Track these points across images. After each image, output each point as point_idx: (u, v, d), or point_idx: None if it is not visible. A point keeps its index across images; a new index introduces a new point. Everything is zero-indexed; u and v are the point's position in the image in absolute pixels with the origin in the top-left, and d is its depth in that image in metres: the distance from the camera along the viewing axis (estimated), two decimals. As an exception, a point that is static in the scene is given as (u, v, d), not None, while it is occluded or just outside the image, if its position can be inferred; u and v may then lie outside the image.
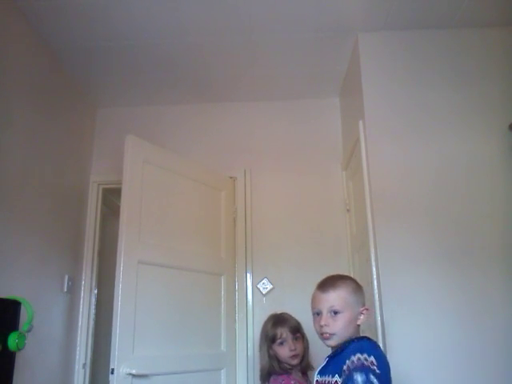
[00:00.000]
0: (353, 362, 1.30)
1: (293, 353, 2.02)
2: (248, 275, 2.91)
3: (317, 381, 1.48)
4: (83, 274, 2.95)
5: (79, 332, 2.87)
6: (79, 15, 2.36)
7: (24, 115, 2.39)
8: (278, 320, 2.12)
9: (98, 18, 2.39)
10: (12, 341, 1.77)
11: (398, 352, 2.03)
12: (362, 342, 1.40)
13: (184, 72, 2.93)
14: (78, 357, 2.83)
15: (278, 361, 2.04)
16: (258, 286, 2.89)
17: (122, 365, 2.15)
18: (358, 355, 1.30)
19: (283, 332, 2.06)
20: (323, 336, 1.45)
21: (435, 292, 2.11)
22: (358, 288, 1.51)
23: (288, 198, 3.02)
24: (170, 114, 3.29)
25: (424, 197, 2.26)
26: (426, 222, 2.22)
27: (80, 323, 2.89)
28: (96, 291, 3.02)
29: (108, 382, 2.14)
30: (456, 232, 2.19)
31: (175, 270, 2.54)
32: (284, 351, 2.03)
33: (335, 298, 1.45)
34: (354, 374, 1.27)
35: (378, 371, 1.27)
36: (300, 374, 2.06)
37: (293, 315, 2.18)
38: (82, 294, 2.93)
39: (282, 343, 2.05)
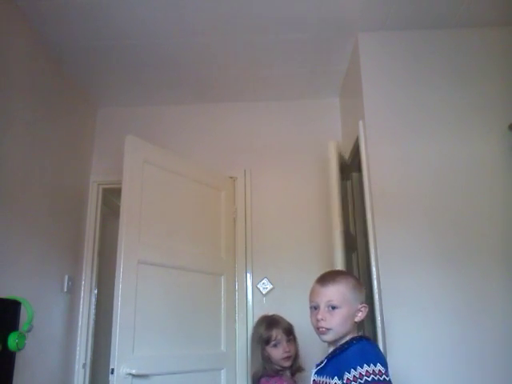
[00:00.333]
0: (362, 376, 1.26)
1: (286, 354, 2.03)
2: (248, 275, 2.91)
3: (314, 380, 1.46)
4: (83, 274, 2.95)
5: (79, 332, 2.87)
6: (80, 14, 2.36)
7: (24, 115, 2.39)
8: (272, 322, 2.13)
9: (99, 17, 2.39)
10: (12, 341, 1.77)
11: (398, 352, 2.03)
12: (363, 345, 1.38)
13: (184, 72, 2.93)
14: (77, 357, 2.83)
15: (271, 363, 2.04)
16: (258, 286, 2.89)
17: (122, 365, 2.15)
18: (366, 368, 1.27)
19: (278, 334, 2.07)
20: (319, 330, 1.42)
21: (435, 292, 2.11)
22: (358, 285, 1.49)
23: (288, 198, 3.02)
24: (170, 114, 3.29)
25: (424, 197, 2.26)
26: (426, 222, 2.22)
27: (80, 323, 2.89)
28: (96, 291, 3.02)
29: (108, 382, 2.14)
30: (456, 232, 2.19)
31: (175, 270, 2.54)
32: (278, 353, 2.04)
33: (334, 292, 1.43)
34: None
35: (387, 378, 1.27)
36: (289, 375, 2.08)
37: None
38: (82, 294, 2.93)
39: (275, 345, 2.05)
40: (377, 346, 1.45)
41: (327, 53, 2.75)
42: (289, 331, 2.10)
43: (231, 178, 3.09)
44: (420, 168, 2.30)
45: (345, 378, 1.29)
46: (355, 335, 1.44)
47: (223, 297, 2.79)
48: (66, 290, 2.74)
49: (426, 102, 2.40)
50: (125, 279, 2.27)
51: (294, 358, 2.08)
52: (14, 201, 2.26)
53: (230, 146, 3.18)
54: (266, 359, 2.04)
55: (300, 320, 2.13)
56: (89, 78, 2.98)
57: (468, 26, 2.48)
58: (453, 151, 2.31)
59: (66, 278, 2.75)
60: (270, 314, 2.25)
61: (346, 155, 2.88)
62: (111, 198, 3.44)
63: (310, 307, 1.48)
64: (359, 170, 2.56)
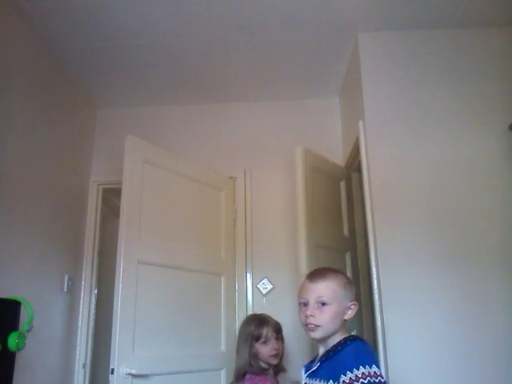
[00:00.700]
0: (359, 379, 1.23)
1: (275, 352, 2.05)
2: (248, 275, 2.91)
3: (305, 383, 1.42)
4: (83, 274, 2.96)
5: (79, 332, 2.87)
6: (80, 14, 2.36)
7: (24, 115, 2.39)
8: (262, 320, 2.15)
9: (99, 17, 2.39)
10: (12, 341, 1.77)
11: (398, 352, 2.04)
12: (358, 346, 1.35)
13: (184, 72, 2.93)
14: (77, 357, 2.83)
15: (258, 360, 2.06)
16: (258, 286, 2.89)
17: (122, 365, 2.15)
18: (362, 370, 1.24)
19: (268, 331, 2.09)
20: (308, 327, 1.40)
21: (435, 292, 2.11)
22: (348, 282, 1.46)
23: (288, 198, 3.02)
24: (170, 115, 3.29)
25: (424, 197, 2.26)
26: (426, 222, 2.22)
27: (80, 323, 2.89)
28: (96, 291, 3.03)
29: (108, 382, 2.14)
30: (455, 232, 2.19)
31: (175, 270, 2.54)
32: (266, 350, 2.05)
33: (325, 289, 1.40)
34: None
35: (382, 380, 1.25)
36: (272, 375, 2.09)
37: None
38: (82, 294, 2.93)
39: (265, 342, 2.07)
40: (370, 346, 1.42)
41: (327, 53, 2.75)
42: (278, 330, 2.14)
43: (231, 177, 3.09)
44: (420, 168, 2.30)
45: (341, 380, 1.26)
46: (346, 335, 1.41)
47: (223, 297, 2.79)
48: (65, 289, 2.74)
49: (426, 102, 2.40)
50: (125, 279, 2.27)
51: (281, 356, 2.10)
52: (14, 201, 2.26)
53: (230, 146, 3.18)
54: (254, 356, 2.05)
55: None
56: (89, 78, 2.98)
57: (467, 27, 2.48)
58: (452, 151, 2.31)
59: (66, 277, 2.75)
60: (258, 312, 2.30)
61: (341, 156, 2.88)
62: (111, 198, 3.44)
63: (299, 303, 1.45)
64: (359, 170, 2.56)
